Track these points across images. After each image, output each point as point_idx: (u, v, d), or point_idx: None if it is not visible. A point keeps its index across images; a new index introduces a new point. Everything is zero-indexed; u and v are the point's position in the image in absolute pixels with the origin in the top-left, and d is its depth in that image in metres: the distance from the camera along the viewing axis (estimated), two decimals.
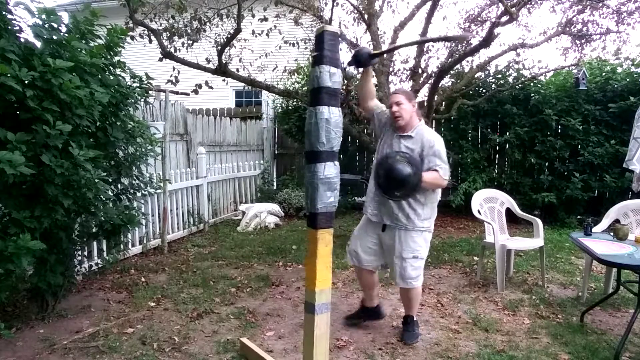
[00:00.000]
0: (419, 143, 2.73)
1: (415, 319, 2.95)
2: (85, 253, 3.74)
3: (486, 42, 4.15)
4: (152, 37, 4.94)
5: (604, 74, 6.41)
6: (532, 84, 6.66)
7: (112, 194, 3.40)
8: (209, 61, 5.23)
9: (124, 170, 3.39)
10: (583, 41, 6.78)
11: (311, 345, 2.09)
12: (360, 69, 2.82)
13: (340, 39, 2.11)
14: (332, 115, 2.02)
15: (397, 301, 3.36)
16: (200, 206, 6.03)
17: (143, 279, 4.01)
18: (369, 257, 2.93)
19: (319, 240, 2.06)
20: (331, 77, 2.01)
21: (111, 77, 3.04)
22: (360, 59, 2.59)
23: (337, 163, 2.09)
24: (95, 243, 3.97)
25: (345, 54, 5.78)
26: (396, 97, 2.80)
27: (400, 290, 2.92)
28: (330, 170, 2.05)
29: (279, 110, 8.30)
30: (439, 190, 2.85)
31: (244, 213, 6.41)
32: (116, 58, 3.09)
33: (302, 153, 8.16)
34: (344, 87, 5.15)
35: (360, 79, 2.97)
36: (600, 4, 6.28)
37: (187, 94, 5.06)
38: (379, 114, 2.96)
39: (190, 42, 5.16)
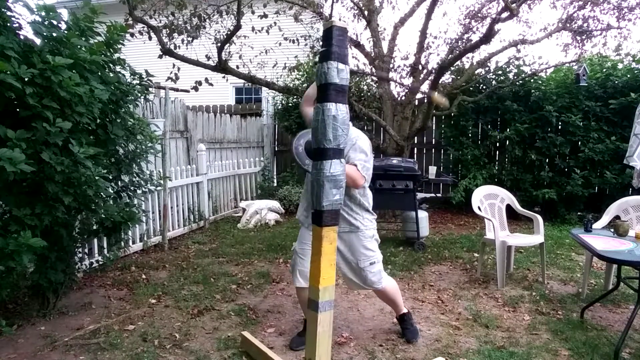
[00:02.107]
0: None
1: (409, 314, 2.92)
2: (86, 250, 3.74)
3: (486, 38, 4.15)
4: (152, 34, 4.93)
5: (604, 70, 6.39)
6: (532, 81, 6.64)
7: (112, 192, 3.39)
8: (208, 58, 5.22)
9: (124, 167, 3.39)
10: (584, 37, 6.76)
11: (314, 342, 2.09)
12: None
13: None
14: (339, 112, 1.99)
15: None
16: (200, 203, 6.03)
17: (144, 276, 4.02)
18: None
19: (324, 237, 2.04)
20: (339, 73, 1.97)
21: (111, 74, 3.03)
22: None
23: (343, 161, 2.06)
24: (95, 240, 3.97)
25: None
26: None
27: (375, 292, 2.83)
28: (336, 167, 2.02)
29: (279, 107, 8.29)
30: (369, 194, 2.71)
31: (244, 210, 6.41)
32: (116, 55, 3.09)
33: None
34: None
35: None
36: (601, 0, 6.26)
37: (187, 91, 5.05)
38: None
39: (190, 39, 5.15)
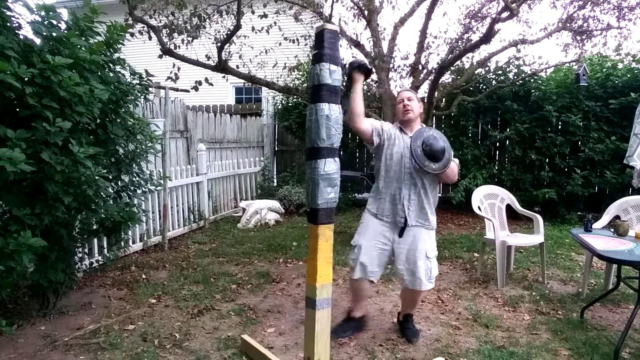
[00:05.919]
0: None
1: (412, 315, 2.96)
2: (86, 250, 3.74)
3: (487, 38, 4.15)
4: (152, 34, 4.93)
5: (604, 70, 6.40)
6: (532, 80, 6.65)
7: (112, 191, 3.39)
8: (208, 58, 5.21)
9: (124, 167, 3.39)
10: (584, 37, 6.74)
11: (312, 340, 2.09)
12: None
13: (340, 35, 2.13)
14: (332, 112, 2.05)
15: (397, 298, 3.36)
16: (200, 203, 6.03)
17: (144, 276, 4.02)
18: (377, 268, 2.77)
19: (320, 235, 2.08)
20: (331, 74, 2.04)
21: (111, 74, 3.03)
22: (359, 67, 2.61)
23: (337, 159, 2.12)
24: (95, 240, 3.97)
25: (344, 51, 5.78)
26: (407, 93, 2.86)
27: (414, 292, 2.77)
28: (330, 166, 2.07)
29: (279, 107, 8.30)
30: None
31: (244, 210, 6.42)
32: (116, 55, 3.09)
33: (303, 150, 8.16)
34: (344, 84, 5.14)
35: (352, 94, 2.65)
36: (601, 0, 6.25)
37: (187, 91, 5.05)
38: (380, 126, 2.81)
39: (190, 38, 5.14)
